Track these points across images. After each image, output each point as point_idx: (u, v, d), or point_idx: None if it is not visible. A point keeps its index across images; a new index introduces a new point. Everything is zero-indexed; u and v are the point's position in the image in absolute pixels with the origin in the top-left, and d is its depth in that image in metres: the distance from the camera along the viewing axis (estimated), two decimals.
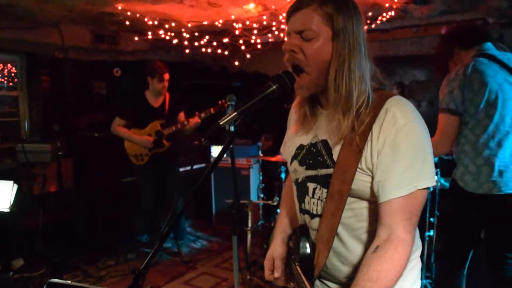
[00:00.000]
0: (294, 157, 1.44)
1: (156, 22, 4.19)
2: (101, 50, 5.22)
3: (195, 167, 5.26)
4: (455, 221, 2.72)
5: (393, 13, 3.80)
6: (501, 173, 2.42)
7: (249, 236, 3.87)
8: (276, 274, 1.51)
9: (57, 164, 4.42)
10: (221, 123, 1.12)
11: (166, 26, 4.27)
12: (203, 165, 5.54)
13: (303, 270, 1.35)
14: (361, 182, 1.23)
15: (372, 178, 1.22)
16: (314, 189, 1.35)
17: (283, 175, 4.17)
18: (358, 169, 1.22)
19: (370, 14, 3.84)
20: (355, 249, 1.32)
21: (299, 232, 1.41)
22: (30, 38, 4.54)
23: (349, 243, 1.32)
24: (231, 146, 1.27)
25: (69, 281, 1.88)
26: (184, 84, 4.91)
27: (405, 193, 1.15)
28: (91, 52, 5.20)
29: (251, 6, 3.74)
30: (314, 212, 1.36)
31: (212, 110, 4.01)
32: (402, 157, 1.17)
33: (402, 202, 1.16)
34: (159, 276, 4.16)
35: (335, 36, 1.22)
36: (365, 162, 1.21)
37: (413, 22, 4.16)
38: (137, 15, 4.00)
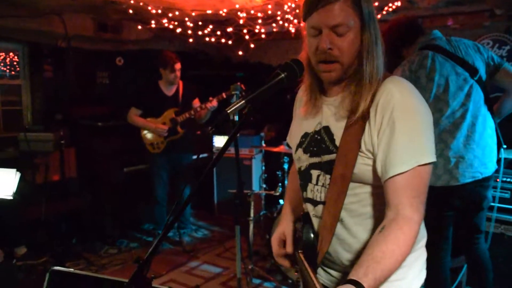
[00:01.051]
0: (299, 145, 1.45)
1: (159, 11, 4.15)
2: (104, 39, 5.19)
3: (194, 157, 5.26)
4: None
5: (399, 3, 3.76)
6: (456, 164, 2.48)
7: (251, 226, 3.88)
8: (289, 249, 1.52)
9: (60, 153, 4.43)
10: (228, 111, 1.11)
11: (170, 15, 4.23)
12: (205, 155, 5.54)
13: (306, 257, 1.35)
14: (362, 165, 1.23)
15: (374, 160, 1.21)
16: (318, 176, 1.35)
17: (285, 166, 4.17)
18: (359, 153, 1.22)
19: (376, 4, 3.79)
20: (359, 235, 1.31)
21: (303, 220, 1.42)
22: (33, 27, 4.51)
23: (353, 229, 1.32)
24: (237, 135, 1.26)
25: (72, 269, 1.89)
26: (187, 74, 4.89)
27: (406, 168, 1.14)
28: (94, 41, 5.17)
29: None
30: (318, 199, 1.36)
31: (224, 95, 4.03)
32: (399, 133, 1.16)
33: (405, 179, 1.15)
34: (160, 265, 4.17)
35: (364, 25, 1.23)
36: (364, 144, 1.22)
37: (419, 13, 4.11)
38: (141, 4, 3.96)
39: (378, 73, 1.25)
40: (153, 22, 4.34)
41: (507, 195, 3.26)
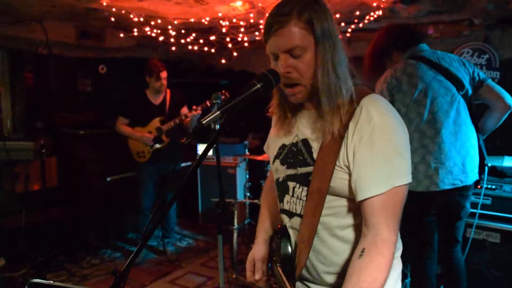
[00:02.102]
0: (276, 157, 1.45)
1: (142, 19, 4.14)
2: (86, 47, 5.13)
3: (182, 165, 5.22)
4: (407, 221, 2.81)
5: (380, 12, 3.80)
6: (436, 169, 2.51)
7: (235, 235, 3.85)
8: (257, 276, 1.54)
9: (41, 162, 4.36)
10: (203, 122, 1.10)
11: (152, 23, 4.21)
12: (189, 163, 5.50)
13: (284, 271, 1.35)
14: (339, 180, 1.23)
15: (350, 175, 1.22)
16: (294, 187, 1.35)
17: None
18: (336, 167, 1.22)
19: (357, 13, 3.83)
20: (335, 247, 1.32)
21: (280, 233, 1.41)
22: (13, 33, 4.44)
23: (329, 242, 1.32)
24: (215, 145, 1.25)
25: (52, 281, 1.85)
26: (171, 82, 4.87)
27: (383, 190, 1.15)
28: (76, 48, 5.12)
29: (238, 3, 3.71)
30: (293, 211, 1.36)
31: (208, 103, 4.04)
32: (378, 154, 1.17)
33: (382, 200, 1.15)
34: (144, 275, 4.12)
35: (318, 42, 1.21)
36: (342, 159, 1.22)
37: (401, 22, 4.17)
38: (123, 12, 3.94)
39: (342, 90, 1.23)
40: (135, 30, 4.32)
41: (488, 202, 3.30)
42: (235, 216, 3.85)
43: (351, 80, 1.26)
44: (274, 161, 1.45)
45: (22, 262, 4.03)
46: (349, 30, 4.16)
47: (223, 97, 3.65)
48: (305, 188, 1.30)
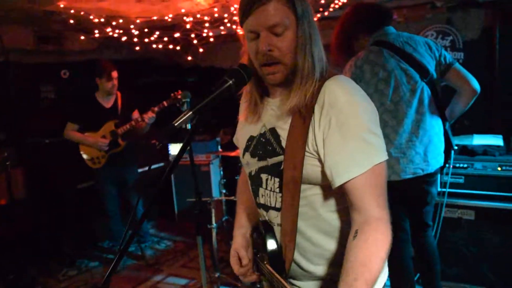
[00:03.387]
0: (245, 150, 1.41)
1: (102, 20, 4.01)
2: (46, 52, 4.95)
3: (153, 166, 5.12)
4: None
5: (345, 0, 3.80)
6: (397, 159, 2.52)
7: (214, 233, 3.81)
8: (244, 262, 1.50)
9: (6, 175, 4.18)
10: (176, 124, 1.05)
11: (114, 23, 4.08)
12: (161, 164, 5.41)
13: (273, 266, 1.31)
14: (310, 166, 1.20)
15: (321, 162, 1.18)
16: (267, 180, 1.32)
17: None
18: (306, 153, 1.19)
19: (322, 1, 3.82)
20: (313, 238, 1.29)
21: (263, 228, 1.37)
22: None
23: (307, 233, 1.29)
24: (189, 146, 1.21)
25: None
26: (137, 82, 4.75)
27: (364, 170, 1.12)
28: (35, 54, 4.93)
29: None
30: (268, 204, 1.33)
31: (165, 104, 3.94)
32: (351, 135, 1.14)
33: (365, 180, 1.13)
34: (124, 282, 4.03)
35: (298, 20, 1.20)
36: (311, 145, 1.19)
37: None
38: (82, 13, 3.80)
39: (315, 70, 1.22)
40: (96, 31, 4.18)
41: (461, 180, 3.37)
42: (213, 214, 3.80)
43: (325, 61, 1.26)
44: (244, 155, 1.42)
45: None
46: (315, 19, 4.13)
47: (172, 94, 3.60)
48: (277, 180, 1.27)
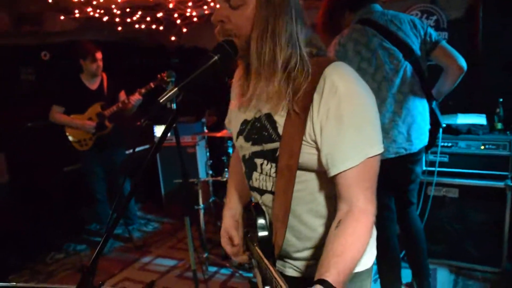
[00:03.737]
0: (239, 133, 1.38)
1: None
2: (24, 33, 4.82)
3: (138, 149, 5.07)
4: None
5: None
6: None
7: (201, 214, 3.81)
8: (235, 241, 1.50)
9: None
10: (161, 101, 1.03)
11: (94, 2, 3.99)
12: (147, 146, 5.37)
13: (262, 250, 1.31)
14: (307, 154, 1.19)
15: (318, 150, 1.17)
16: (262, 164, 1.30)
17: (230, 150, 4.12)
18: (303, 142, 1.17)
19: None
20: (310, 222, 1.29)
21: (254, 210, 1.36)
22: None
23: (303, 217, 1.29)
24: (174, 125, 1.18)
25: (14, 283, 1.76)
26: (120, 64, 4.66)
27: (357, 162, 1.11)
28: (13, 35, 4.79)
29: None
30: (263, 188, 1.32)
31: (152, 85, 3.89)
32: (348, 126, 1.12)
33: (356, 173, 1.12)
34: (113, 264, 4.03)
35: (259, 0, 1.14)
36: (308, 134, 1.17)
37: None
38: None
39: (277, 58, 1.16)
40: (76, 11, 4.08)
41: (445, 159, 3.41)
42: (200, 195, 3.80)
43: (302, 49, 1.18)
44: (237, 138, 1.39)
45: None
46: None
47: (159, 76, 3.56)
48: (273, 165, 1.26)
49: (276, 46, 1.15)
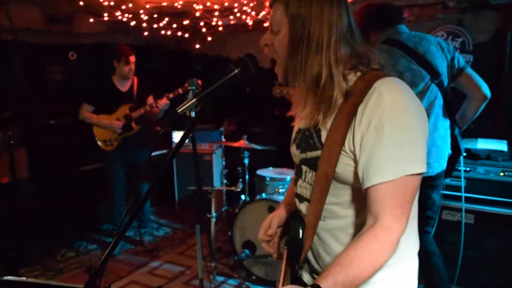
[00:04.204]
0: (293, 141, 1.43)
1: (112, 3, 4.00)
2: (54, 33, 4.94)
3: (155, 153, 5.12)
4: None
5: None
6: None
7: (212, 223, 3.82)
8: (270, 231, 1.51)
9: (9, 154, 4.20)
10: (179, 111, 1.05)
11: (123, 7, 4.08)
12: (164, 151, 5.42)
13: (289, 255, 1.35)
14: (344, 165, 1.18)
15: (356, 162, 1.16)
16: (306, 171, 1.33)
17: (246, 161, 4.13)
18: (342, 152, 1.17)
19: None
20: (340, 237, 1.28)
21: (293, 216, 1.43)
22: None
23: (334, 231, 1.28)
24: (192, 134, 1.20)
25: (24, 278, 1.78)
26: (143, 68, 4.74)
27: (391, 178, 1.07)
28: (43, 34, 4.92)
29: None
30: (304, 196, 1.34)
31: (180, 91, 3.96)
32: (387, 139, 1.08)
33: (389, 188, 1.08)
34: (121, 266, 4.06)
35: (290, 23, 1.18)
36: (348, 144, 1.16)
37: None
38: None
39: (306, 76, 1.19)
40: (106, 14, 4.17)
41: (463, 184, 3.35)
42: (213, 204, 3.81)
43: (339, 66, 1.19)
44: (292, 145, 1.44)
45: None
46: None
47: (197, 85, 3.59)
48: (314, 173, 1.27)
49: (307, 64, 1.18)
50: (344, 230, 1.27)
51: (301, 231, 1.35)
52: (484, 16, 4.05)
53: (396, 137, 1.09)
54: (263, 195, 3.72)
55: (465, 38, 4.09)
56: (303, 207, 1.35)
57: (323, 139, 1.23)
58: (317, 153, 1.25)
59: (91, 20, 4.48)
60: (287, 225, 1.53)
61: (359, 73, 1.20)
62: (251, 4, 3.87)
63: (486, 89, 2.52)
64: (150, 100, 4.33)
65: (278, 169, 4.33)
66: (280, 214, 1.56)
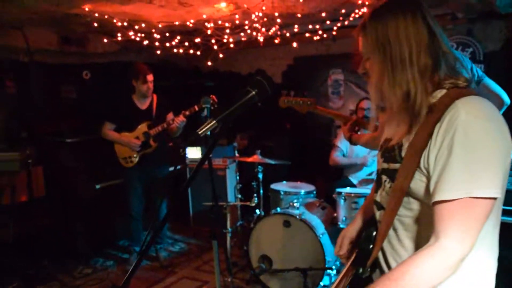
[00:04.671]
0: (380, 148, 1.47)
1: (125, 23, 4.09)
2: (68, 53, 5.06)
3: (170, 169, 5.17)
4: None
5: (365, 9, 3.81)
6: None
7: (228, 238, 3.83)
8: (341, 252, 1.62)
9: (27, 173, 4.28)
10: (199, 132, 1.09)
11: (136, 27, 4.17)
12: (178, 166, 5.46)
13: (357, 258, 1.46)
14: (418, 181, 1.20)
15: (428, 179, 1.17)
16: (385, 181, 1.37)
17: (260, 175, 4.15)
18: (417, 168, 1.19)
19: (343, 11, 3.84)
20: (410, 249, 1.30)
21: (369, 222, 1.51)
22: None
23: (405, 242, 1.31)
24: (210, 155, 1.24)
25: None
26: (156, 85, 4.82)
27: (454, 196, 1.07)
28: (58, 55, 5.04)
29: (223, 5, 3.68)
30: (381, 204, 1.38)
31: (196, 108, 4.00)
32: (456, 158, 1.07)
33: (452, 208, 1.08)
34: (138, 282, 4.07)
35: (373, 50, 1.25)
36: (423, 161, 1.18)
37: None
38: (105, 16, 3.88)
39: (391, 97, 1.24)
40: (119, 34, 4.27)
41: None
42: (228, 219, 3.83)
43: (422, 85, 1.21)
44: (378, 151, 1.48)
45: (12, 276, 3.95)
46: (335, 28, 4.17)
47: (211, 101, 3.64)
48: (392, 184, 1.31)
49: (395, 83, 1.22)
50: (415, 243, 1.29)
51: (372, 238, 1.42)
52: (493, 25, 4.06)
53: (465, 158, 1.07)
54: (278, 209, 3.73)
55: (475, 48, 4.10)
56: (379, 214, 1.40)
57: (403, 153, 1.27)
58: (396, 166, 1.29)
59: (105, 40, 4.58)
60: (360, 233, 1.63)
61: (444, 90, 1.21)
62: (262, 21, 3.93)
63: (505, 96, 2.56)
64: (170, 116, 4.40)
65: (292, 183, 4.33)
66: (352, 229, 1.64)
